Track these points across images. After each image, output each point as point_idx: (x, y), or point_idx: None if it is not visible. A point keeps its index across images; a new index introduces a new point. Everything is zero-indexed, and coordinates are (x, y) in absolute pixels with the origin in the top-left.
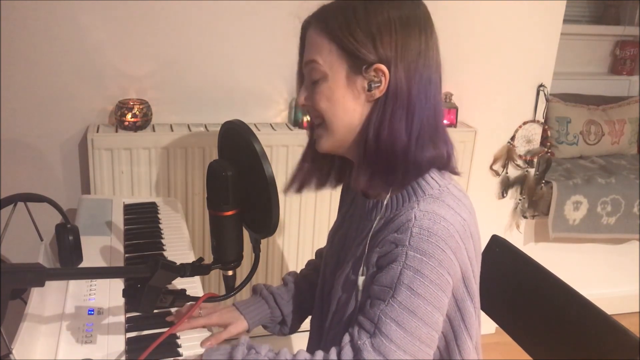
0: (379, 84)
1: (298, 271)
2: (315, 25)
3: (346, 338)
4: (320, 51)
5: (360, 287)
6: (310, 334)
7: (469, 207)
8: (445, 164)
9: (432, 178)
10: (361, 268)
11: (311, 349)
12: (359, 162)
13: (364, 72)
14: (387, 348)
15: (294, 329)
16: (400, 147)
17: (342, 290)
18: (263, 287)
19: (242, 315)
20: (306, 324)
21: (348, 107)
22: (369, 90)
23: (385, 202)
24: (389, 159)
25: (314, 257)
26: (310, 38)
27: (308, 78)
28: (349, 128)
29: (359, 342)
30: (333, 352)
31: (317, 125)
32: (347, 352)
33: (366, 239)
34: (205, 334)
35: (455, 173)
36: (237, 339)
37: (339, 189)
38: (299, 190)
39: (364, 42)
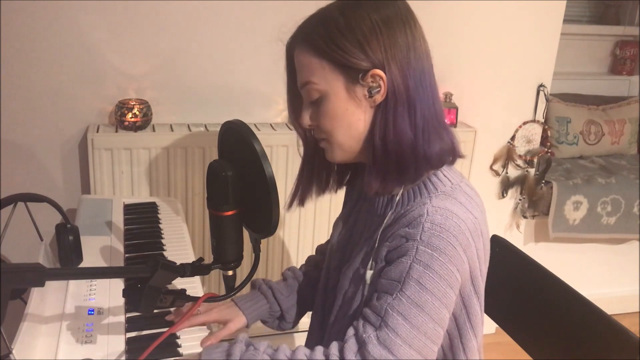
0: (378, 89)
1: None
2: (300, 45)
3: (350, 331)
4: (313, 71)
5: (368, 282)
6: (310, 329)
7: (480, 206)
8: (454, 154)
9: (445, 175)
10: (370, 262)
11: (311, 345)
12: (369, 165)
13: (361, 80)
14: (392, 342)
15: (293, 324)
16: (407, 144)
17: (349, 285)
18: (262, 282)
19: (241, 311)
20: (305, 323)
21: (353, 119)
22: (370, 96)
23: (397, 198)
24: (399, 159)
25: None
26: (299, 60)
27: (307, 99)
28: (357, 139)
29: (364, 335)
30: (334, 347)
31: (321, 140)
32: (351, 345)
33: (376, 234)
34: (204, 332)
35: (461, 157)
36: (235, 337)
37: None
38: (302, 203)
39: (354, 51)
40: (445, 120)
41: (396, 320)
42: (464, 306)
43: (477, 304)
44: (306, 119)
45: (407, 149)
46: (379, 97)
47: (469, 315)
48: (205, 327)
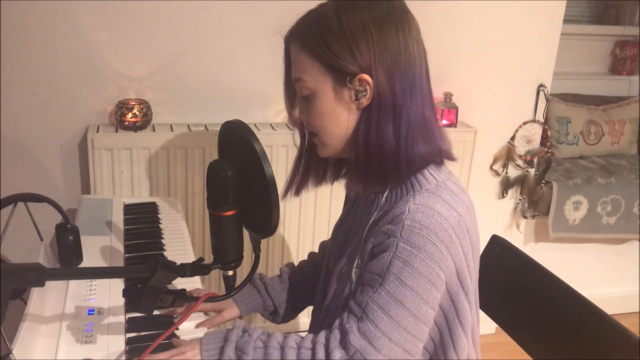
0: (365, 93)
1: None
2: (296, 41)
3: (337, 322)
4: (304, 68)
5: (354, 278)
6: (310, 325)
7: (467, 203)
8: (441, 157)
9: (430, 174)
10: (356, 260)
11: None
12: (352, 166)
13: (348, 83)
14: (372, 333)
15: (287, 318)
16: (389, 149)
17: (338, 281)
18: (257, 277)
19: (235, 303)
20: (306, 323)
21: (340, 119)
22: (357, 99)
23: (384, 196)
24: (380, 162)
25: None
26: (294, 55)
27: (298, 94)
28: (343, 138)
29: (346, 326)
30: (322, 335)
31: (313, 135)
32: (336, 334)
33: (363, 232)
34: (202, 318)
35: (452, 159)
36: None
37: (338, 186)
38: (297, 193)
39: (343, 54)
40: (437, 125)
41: (376, 313)
42: (452, 303)
43: (466, 301)
44: (296, 113)
45: (388, 154)
46: (364, 101)
47: (457, 312)
48: (202, 313)
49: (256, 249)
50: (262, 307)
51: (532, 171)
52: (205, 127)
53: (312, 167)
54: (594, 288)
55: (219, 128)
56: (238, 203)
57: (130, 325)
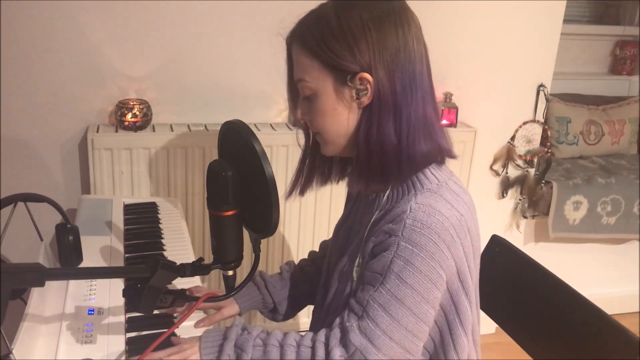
0: (366, 92)
1: None
2: (297, 42)
3: (337, 320)
4: (306, 69)
5: (355, 277)
6: (311, 324)
7: (468, 203)
8: (442, 155)
9: (432, 173)
10: (357, 259)
11: None
12: (354, 165)
13: (349, 82)
14: (372, 332)
15: (287, 317)
16: (390, 147)
17: (339, 281)
18: (257, 274)
19: (235, 300)
20: (307, 323)
21: (342, 119)
22: (357, 98)
23: (386, 195)
24: (381, 160)
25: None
26: (295, 56)
27: (301, 94)
28: (345, 136)
29: (347, 324)
30: (322, 334)
31: (316, 134)
32: (336, 332)
33: (365, 231)
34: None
35: (452, 157)
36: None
37: (338, 186)
38: (302, 193)
39: (343, 53)
40: (438, 122)
41: (377, 312)
42: (453, 302)
43: (466, 301)
44: (299, 113)
45: (389, 152)
46: (365, 100)
47: (458, 312)
48: (202, 312)
49: (256, 249)
50: (262, 305)
51: (532, 171)
52: (205, 127)
53: (316, 166)
54: (594, 288)
55: (219, 128)
56: (238, 203)
57: (130, 325)
